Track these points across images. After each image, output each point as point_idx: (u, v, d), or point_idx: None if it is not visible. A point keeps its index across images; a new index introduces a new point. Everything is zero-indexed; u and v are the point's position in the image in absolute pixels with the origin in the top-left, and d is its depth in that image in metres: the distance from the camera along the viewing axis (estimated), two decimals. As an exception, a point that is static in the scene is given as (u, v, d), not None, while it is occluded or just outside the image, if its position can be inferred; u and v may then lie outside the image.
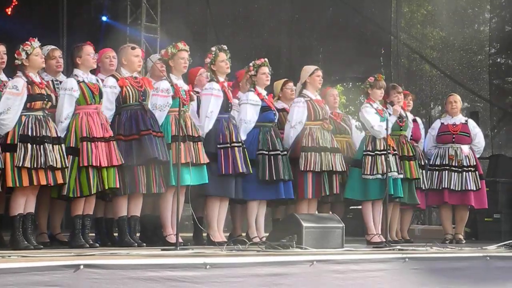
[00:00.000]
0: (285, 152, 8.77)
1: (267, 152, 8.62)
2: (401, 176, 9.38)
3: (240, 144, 8.40)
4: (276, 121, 8.93)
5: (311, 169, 8.85)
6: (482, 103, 15.87)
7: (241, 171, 8.29)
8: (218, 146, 8.27)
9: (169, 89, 7.98)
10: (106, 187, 7.42)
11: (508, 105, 15.55)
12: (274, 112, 8.86)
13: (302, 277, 6.60)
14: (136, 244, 7.69)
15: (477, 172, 10.20)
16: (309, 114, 9.03)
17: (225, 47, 8.56)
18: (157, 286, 5.81)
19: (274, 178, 8.57)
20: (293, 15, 15.76)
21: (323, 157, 8.92)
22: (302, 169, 8.85)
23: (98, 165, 7.35)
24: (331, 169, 8.92)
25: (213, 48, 8.54)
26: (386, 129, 8.80)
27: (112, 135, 7.54)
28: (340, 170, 9.04)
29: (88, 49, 7.64)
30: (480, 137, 10.50)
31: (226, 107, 8.42)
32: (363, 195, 9.22)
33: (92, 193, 7.36)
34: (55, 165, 7.07)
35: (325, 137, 9.05)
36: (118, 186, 7.50)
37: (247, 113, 8.62)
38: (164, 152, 7.79)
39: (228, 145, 8.31)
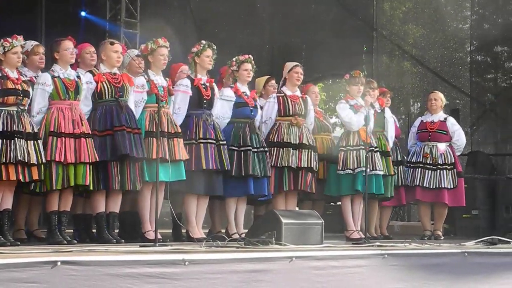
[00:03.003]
0: (262, 149, 8.73)
1: (237, 148, 8.59)
2: (382, 172, 9.40)
3: (214, 140, 8.35)
4: (255, 117, 8.89)
5: (274, 164, 8.86)
6: (463, 101, 15.92)
7: (204, 167, 8.21)
8: (184, 142, 8.23)
9: (144, 85, 7.97)
10: (72, 184, 7.35)
11: (487, 103, 15.61)
12: (251, 108, 8.80)
13: (281, 273, 6.59)
14: (115, 240, 7.65)
15: (454, 170, 10.22)
16: (279, 109, 9.02)
17: (214, 46, 8.53)
18: (136, 283, 5.78)
19: (243, 174, 8.54)
20: (275, 11, 15.74)
21: (285, 152, 8.90)
22: (271, 164, 8.84)
23: (63, 160, 7.29)
24: (292, 165, 8.88)
25: (203, 41, 8.51)
26: (366, 125, 8.84)
27: (85, 132, 7.47)
28: (306, 167, 8.98)
29: (67, 44, 7.60)
30: (460, 135, 10.50)
31: (199, 103, 8.38)
32: (337, 191, 9.24)
33: (55, 188, 7.29)
34: (26, 161, 7.01)
35: (293, 133, 9.01)
36: (87, 183, 7.43)
37: (217, 108, 8.60)
38: (140, 148, 7.75)
39: (194, 141, 8.26)
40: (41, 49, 8.11)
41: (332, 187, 9.29)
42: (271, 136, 8.97)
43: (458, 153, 10.50)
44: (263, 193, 8.71)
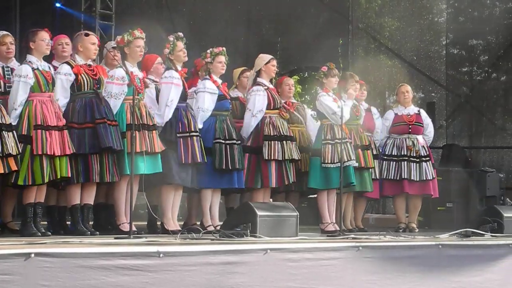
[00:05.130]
0: (239, 142, 8.75)
1: (223, 141, 8.60)
2: (356, 164, 9.43)
3: (197, 133, 8.37)
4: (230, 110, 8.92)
5: (275, 158, 8.86)
6: (439, 94, 16.00)
7: (199, 160, 8.27)
8: (178, 135, 8.22)
9: (124, 77, 7.91)
10: (58, 176, 7.34)
11: (462, 96, 15.70)
12: (229, 101, 8.84)
13: (256, 265, 6.60)
14: (89, 232, 7.63)
15: (430, 161, 10.31)
16: (269, 103, 9.03)
17: (181, 34, 8.50)
18: (110, 275, 5.76)
19: (230, 167, 8.56)
20: (251, 4, 15.73)
21: (284, 145, 8.93)
22: (266, 158, 8.85)
23: (52, 153, 7.27)
24: (291, 157, 8.94)
25: (171, 38, 8.46)
26: (341, 117, 8.86)
27: (64, 124, 7.45)
28: (297, 158, 9.06)
29: (43, 34, 7.53)
30: (431, 127, 10.63)
31: (183, 96, 8.38)
32: (325, 184, 9.24)
33: (45, 181, 7.28)
34: (12, 153, 6.98)
35: (284, 126, 9.06)
36: (69, 175, 7.42)
37: (205, 102, 8.59)
38: (118, 141, 7.73)
39: (187, 134, 8.27)
40: (9, 39, 7.92)
41: (319, 180, 9.25)
42: (267, 130, 8.94)
43: (428, 145, 10.56)
44: (241, 186, 8.76)
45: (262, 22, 15.84)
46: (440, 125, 14.71)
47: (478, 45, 16.10)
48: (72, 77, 7.68)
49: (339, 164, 9.04)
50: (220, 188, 8.75)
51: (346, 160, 9.07)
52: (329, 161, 9.16)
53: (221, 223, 8.41)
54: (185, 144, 8.23)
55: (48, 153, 7.24)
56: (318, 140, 9.37)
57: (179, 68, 8.43)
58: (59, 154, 7.31)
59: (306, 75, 20.44)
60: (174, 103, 8.25)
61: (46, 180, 7.27)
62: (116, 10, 13.79)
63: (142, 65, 8.59)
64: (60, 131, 7.37)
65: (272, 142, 8.91)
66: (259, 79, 9.14)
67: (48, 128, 7.29)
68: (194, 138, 8.30)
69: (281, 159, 8.90)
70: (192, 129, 8.31)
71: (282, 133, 8.97)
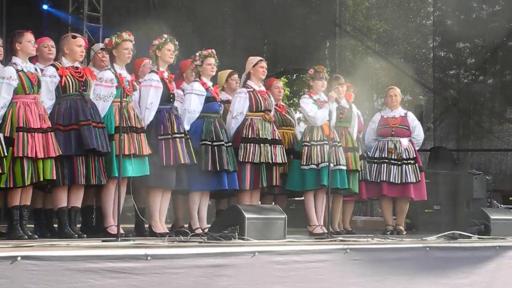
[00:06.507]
0: (230, 143, 8.75)
1: (210, 143, 8.59)
2: (345, 167, 9.44)
3: (183, 134, 8.35)
4: (221, 112, 8.90)
5: (250, 160, 8.86)
6: (426, 96, 16.02)
7: (182, 162, 8.23)
8: (159, 137, 8.21)
9: (113, 79, 7.90)
10: (42, 179, 7.29)
11: (449, 98, 15.73)
12: (219, 103, 8.83)
13: (243, 268, 6.60)
14: (77, 235, 7.60)
15: (416, 164, 10.31)
16: (251, 105, 9.03)
17: (176, 41, 8.49)
18: (97, 278, 5.75)
19: (218, 169, 8.54)
20: (238, 5, 15.73)
21: (262, 148, 8.92)
22: (241, 160, 8.84)
23: (34, 156, 7.22)
24: (270, 161, 8.92)
25: (165, 35, 8.47)
26: (329, 120, 8.87)
27: (50, 126, 7.41)
28: (281, 162, 9.04)
29: (29, 36, 7.50)
30: (419, 130, 10.63)
31: (167, 97, 8.35)
32: (301, 186, 9.25)
33: (26, 184, 7.22)
34: None
35: (266, 129, 9.04)
36: (54, 177, 7.38)
37: (191, 103, 8.58)
38: (105, 143, 7.71)
39: (169, 136, 8.25)
40: None
41: (295, 182, 9.29)
42: (245, 132, 8.94)
43: (417, 148, 10.57)
44: (234, 187, 8.73)
45: (249, 24, 15.82)
46: (427, 128, 14.73)
47: (465, 48, 16.13)
48: (57, 79, 7.66)
49: (312, 166, 9.07)
50: (209, 190, 8.72)
51: (320, 161, 9.08)
52: (304, 163, 9.18)
53: (209, 225, 8.40)
54: (167, 146, 8.20)
55: (29, 155, 7.18)
56: (300, 143, 9.41)
57: (162, 69, 8.40)
58: (42, 157, 7.27)
59: (294, 77, 20.49)
60: (155, 106, 8.23)
61: (28, 182, 7.21)
62: (103, 12, 13.76)
63: (132, 68, 8.58)
64: (44, 133, 7.33)
65: (248, 144, 8.89)
66: (248, 82, 9.16)
67: (31, 130, 7.24)
68: (177, 139, 8.25)
69: (257, 161, 8.89)
70: (175, 131, 8.28)
71: (261, 136, 8.95)
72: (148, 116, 8.18)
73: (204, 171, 8.52)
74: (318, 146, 9.18)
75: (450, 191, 11.57)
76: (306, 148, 9.24)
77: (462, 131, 15.67)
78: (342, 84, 9.87)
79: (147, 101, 8.17)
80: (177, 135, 8.28)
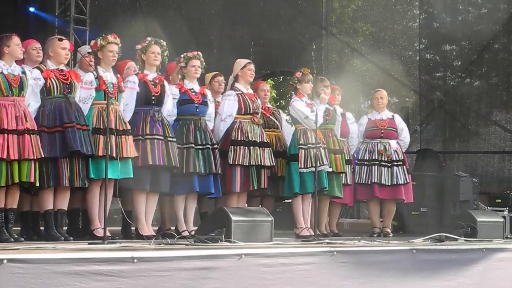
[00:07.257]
0: (209, 146, 8.66)
1: (180, 145, 8.53)
2: (331, 169, 9.45)
3: (161, 136, 8.27)
4: (202, 114, 8.78)
5: (240, 163, 8.84)
6: (412, 98, 16.07)
7: (150, 163, 8.15)
8: (133, 138, 8.18)
9: (92, 81, 7.90)
10: (17, 180, 7.24)
11: (436, 101, 15.77)
12: (196, 105, 8.72)
13: (230, 270, 6.59)
14: (63, 238, 7.57)
15: (404, 166, 10.34)
16: (240, 108, 9.01)
17: (163, 42, 8.47)
18: (83, 281, 5.73)
19: (184, 171, 8.49)
20: (224, 7, 15.73)
21: (251, 151, 8.91)
22: (231, 163, 8.83)
23: (5, 157, 7.16)
24: (259, 163, 8.93)
25: (149, 38, 8.46)
26: (316, 122, 8.87)
27: (30, 128, 7.34)
28: (269, 165, 9.04)
29: (17, 39, 7.50)
30: (406, 132, 10.68)
31: (147, 99, 8.32)
32: (301, 189, 9.24)
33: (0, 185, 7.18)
34: None
35: (255, 131, 9.04)
36: (32, 180, 7.32)
37: (167, 106, 8.54)
38: (89, 145, 7.69)
39: (140, 137, 8.21)
40: None
41: (295, 186, 9.24)
42: (234, 135, 8.92)
43: (404, 150, 10.60)
44: (209, 191, 8.68)
45: (235, 26, 15.83)
46: (414, 130, 14.76)
47: (451, 51, 16.18)
48: (42, 82, 7.65)
49: (312, 169, 9.06)
50: (181, 194, 8.62)
51: (319, 165, 9.07)
52: (303, 166, 9.17)
53: (196, 228, 8.39)
54: (137, 147, 8.14)
55: (0, 156, 7.15)
56: (294, 145, 9.37)
57: (149, 72, 8.38)
58: (16, 158, 7.21)
59: (281, 80, 20.48)
60: (130, 107, 8.23)
61: (2, 184, 7.15)
62: (90, 15, 13.73)
63: (117, 71, 8.57)
64: (20, 134, 7.27)
65: (238, 147, 8.87)
66: (236, 84, 9.15)
67: (3, 131, 7.19)
68: (148, 141, 8.20)
69: (247, 164, 8.88)
70: (148, 132, 8.24)
71: (250, 139, 8.94)
72: (125, 117, 8.16)
73: (175, 174, 8.48)
74: (315, 149, 9.16)
75: (437, 193, 11.59)
76: (303, 151, 9.22)
77: (449, 133, 15.72)
78: (327, 86, 9.86)
79: (123, 102, 8.19)
80: (149, 137, 8.22)
